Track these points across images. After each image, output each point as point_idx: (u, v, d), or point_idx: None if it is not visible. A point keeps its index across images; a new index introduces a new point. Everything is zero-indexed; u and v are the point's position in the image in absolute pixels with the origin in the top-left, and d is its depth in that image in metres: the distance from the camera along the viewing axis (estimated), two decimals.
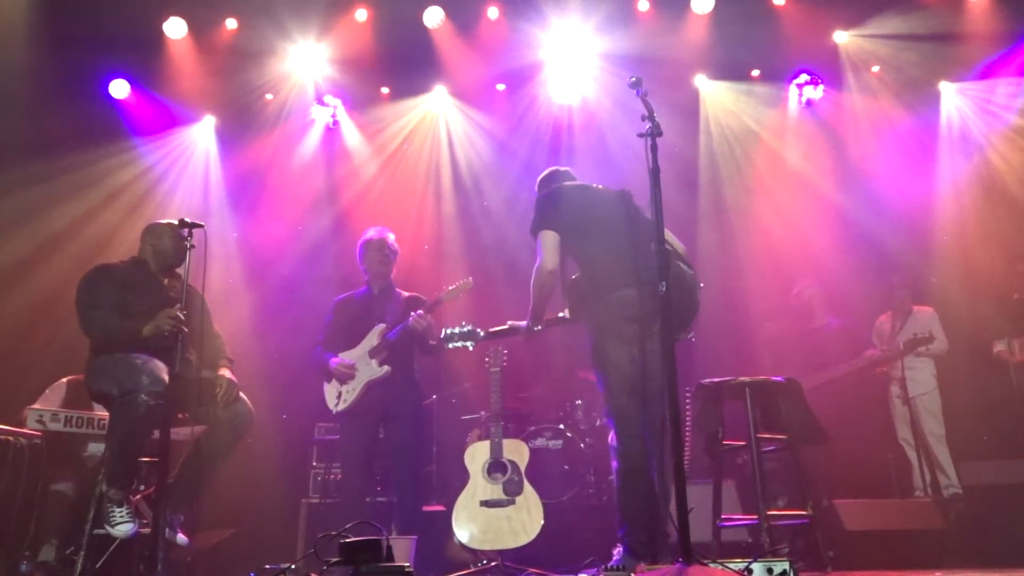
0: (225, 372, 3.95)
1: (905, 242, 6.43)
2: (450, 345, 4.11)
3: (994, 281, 5.92)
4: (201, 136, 6.79)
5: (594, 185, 3.90)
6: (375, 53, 6.28)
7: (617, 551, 3.34)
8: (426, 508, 4.84)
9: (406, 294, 4.86)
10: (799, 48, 6.36)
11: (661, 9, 6.09)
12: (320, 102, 6.66)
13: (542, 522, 4.14)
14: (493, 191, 6.99)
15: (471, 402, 5.88)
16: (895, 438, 5.77)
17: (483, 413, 5.41)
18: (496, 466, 4.32)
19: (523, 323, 3.91)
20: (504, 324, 4.02)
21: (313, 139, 6.84)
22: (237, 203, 6.78)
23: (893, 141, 6.65)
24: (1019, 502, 4.50)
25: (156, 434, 3.53)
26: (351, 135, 6.88)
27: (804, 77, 6.53)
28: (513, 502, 4.20)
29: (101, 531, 3.65)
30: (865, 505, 4.57)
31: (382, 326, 4.61)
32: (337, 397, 4.55)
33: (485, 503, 4.21)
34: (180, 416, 3.83)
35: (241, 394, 3.92)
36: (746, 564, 2.78)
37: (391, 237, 4.85)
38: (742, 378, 4.02)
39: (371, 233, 4.84)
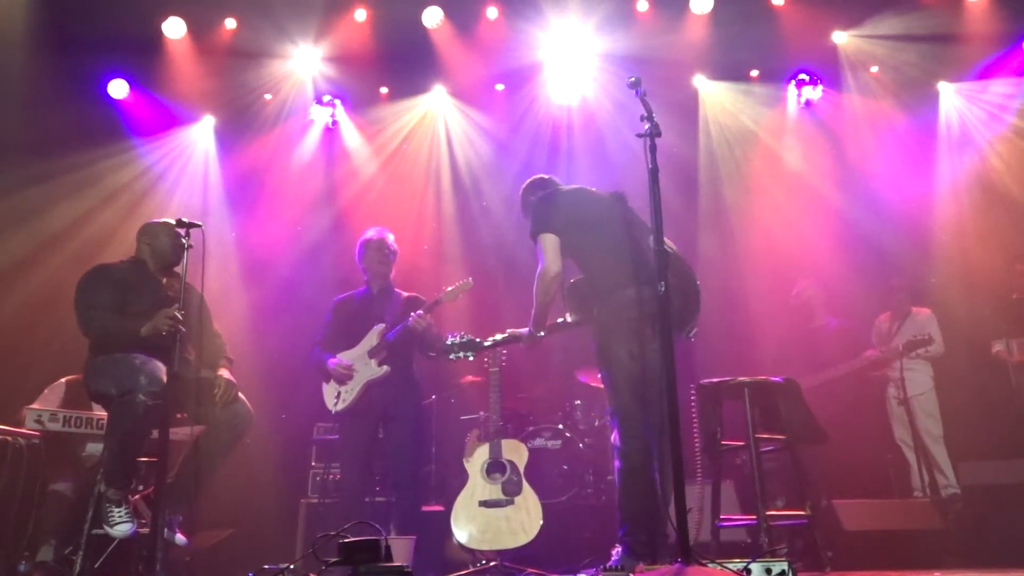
0: (224, 372, 3.96)
1: (904, 242, 6.43)
2: (451, 356, 4.09)
3: (993, 281, 5.92)
4: (200, 136, 6.79)
5: (588, 188, 3.90)
6: (374, 53, 6.28)
7: (616, 551, 3.33)
8: (425, 508, 4.84)
9: (405, 294, 4.86)
10: (798, 48, 6.37)
11: (660, 9, 6.08)
12: (319, 102, 6.66)
13: (541, 522, 4.14)
14: (492, 191, 6.97)
15: (470, 402, 5.88)
16: (894, 438, 5.78)
17: (482, 413, 5.41)
18: (495, 466, 4.33)
19: (523, 330, 3.88)
20: (504, 332, 3.99)
21: (312, 139, 6.84)
22: (236, 203, 6.77)
23: (892, 141, 6.65)
24: (1018, 502, 4.50)
25: (155, 434, 3.53)
26: (350, 135, 6.88)
27: (803, 76, 6.55)
28: (512, 502, 4.20)
29: (100, 531, 3.65)
30: (864, 505, 4.56)
31: (381, 326, 4.62)
32: (336, 397, 4.55)
33: (484, 503, 4.22)
34: (179, 416, 3.83)
35: (240, 394, 3.93)
36: (745, 564, 2.77)
37: (390, 237, 4.85)
38: (741, 378, 4.02)
39: (370, 233, 4.84)
